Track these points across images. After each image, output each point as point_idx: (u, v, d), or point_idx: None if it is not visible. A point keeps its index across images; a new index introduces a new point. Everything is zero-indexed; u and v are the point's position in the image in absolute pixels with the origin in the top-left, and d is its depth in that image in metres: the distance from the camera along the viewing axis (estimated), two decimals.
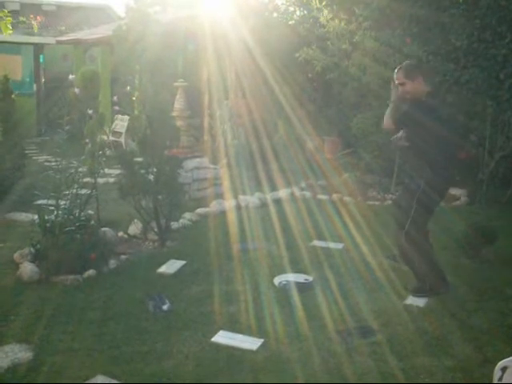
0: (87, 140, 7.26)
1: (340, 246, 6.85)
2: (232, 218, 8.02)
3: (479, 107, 9.56)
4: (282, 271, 6.01)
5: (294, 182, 10.02)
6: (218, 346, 4.42)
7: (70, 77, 16.22)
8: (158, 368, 4.10)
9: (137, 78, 7.30)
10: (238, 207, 8.64)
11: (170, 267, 6.17)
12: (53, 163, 6.62)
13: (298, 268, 6.11)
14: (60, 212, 6.00)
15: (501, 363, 3.05)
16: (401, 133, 5.31)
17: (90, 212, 6.75)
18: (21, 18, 22.31)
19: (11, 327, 4.71)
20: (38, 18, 23.05)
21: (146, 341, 4.51)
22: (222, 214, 8.31)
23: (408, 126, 5.18)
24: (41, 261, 5.85)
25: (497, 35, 9.61)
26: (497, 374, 3.04)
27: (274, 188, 9.60)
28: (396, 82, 5.23)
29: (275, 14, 13.89)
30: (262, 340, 4.48)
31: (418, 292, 5.28)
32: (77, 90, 14.45)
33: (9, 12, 8.34)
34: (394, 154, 8.84)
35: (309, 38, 11.69)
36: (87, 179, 7.21)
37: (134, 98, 7.38)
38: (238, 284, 5.67)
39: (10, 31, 7.86)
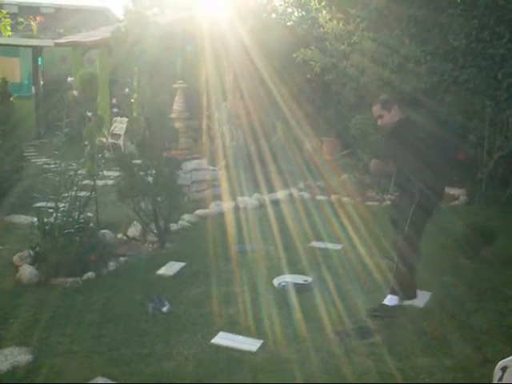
0: (86, 142, 7.26)
1: (338, 246, 6.85)
2: (230, 219, 8.03)
3: (478, 107, 9.57)
4: (281, 272, 6.01)
5: (292, 183, 10.03)
6: (217, 348, 4.43)
7: (69, 79, 16.21)
8: (158, 369, 4.10)
9: (135, 80, 7.30)
10: (237, 208, 8.64)
11: (170, 269, 6.17)
12: (52, 166, 6.61)
13: (296, 269, 6.11)
14: (59, 214, 6.00)
15: (501, 363, 3.05)
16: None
17: (89, 214, 6.75)
18: (19, 19, 22.32)
19: (10, 330, 4.71)
20: (37, 18, 23.07)
21: (146, 343, 4.51)
22: (221, 215, 8.31)
23: (402, 135, 5.14)
24: (40, 263, 5.85)
25: (495, 35, 9.63)
26: (497, 373, 3.04)
27: (272, 189, 9.61)
28: (374, 115, 5.38)
29: (273, 15, 13.90)
30: (262, 341, 4.49)
31: (394, 293, 5.14)
32: (76, 93, 14.47)
33: (7, 14, 8.35)
34: None
35: (307, 39, 11.70)
36: (86, 181, 7.21)
37: (132, 100, 7.37)
38: (237, 285, 5.67)
39: (10, 33, 7.87)
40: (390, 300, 5.06)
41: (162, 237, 6.91)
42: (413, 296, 5.16)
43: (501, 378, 3.00)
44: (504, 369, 3.00)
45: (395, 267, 5.10)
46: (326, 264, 6.24)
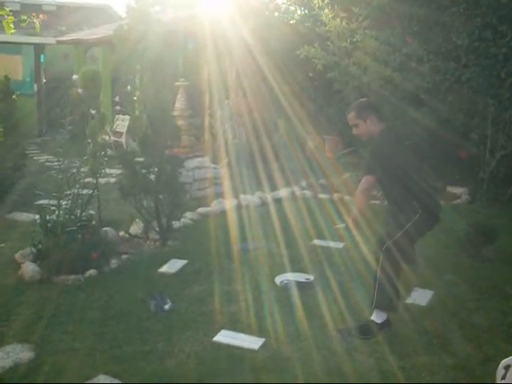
0: (89, 140, 7.26)
1: (340, 245, 6.85)
2: (233, 217, 8.02)
3: (480, 106, 9.55)
4: (283, 270, 6.01)
5: (294, 182, 10.02)
6: (219, 346, 4.43)
7: (74, 77, 16.21)
8: (160, 367, 4.11)
9: (138, 78, 7.31)
10: (239, 206, 8.64)
11: (172, 267, 6.17)
12: (54, 163, 6.62)
13: (298, 267, 6.11)
14: (61, 212, 6.01)
15: (504, 361, 3.06)
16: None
17: (91, 212, 6.75)
18: (22, 17, 22.31)
19: (12, 327, 4.72)
20: (40, 16, 23.07)
21: (148, 340, 4.51)
22: (223, 213, 8.31)
23: (387, 147, 4.75)
24: (42, 261, 5.86)
25: (498, 34, 9.59)
26: (500, 372, 3.05)
27: (274, 187, 9.61)
28: (349, 123, 4.97)
29: (276, 14, 13.89)
30: (263, 339, 4.49)
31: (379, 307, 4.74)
32: (80, 90, 14.49)
33: (10, 11, 8.34)
34: None
35: (309, 37, 11.69)
36: (88, 179, 7.21)
37: (134, 98, 7.38)
38: (239, 283, 5.68)
39: (13, 30, 7.88)
40: (378, 317, 4.66)
41: (164, 234, 6.92)
42: (394, 308, 4.73)
43: (504, 377, 3.01)
44: (507, 367, 3.01)
45: (379, 271, 4.60)
46: (328, 262, 6.24)
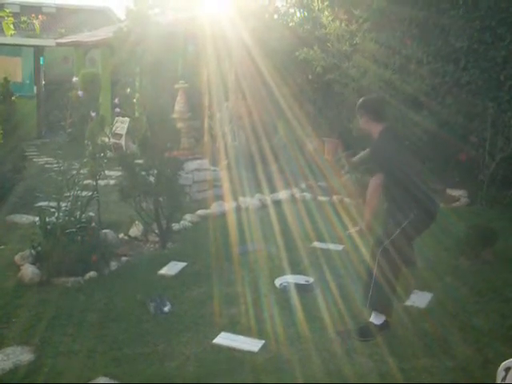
0: (89, 142, 7.27)
1: (340, 247, 6.85)
2: (232, 219, 8.02)
3: (479, 108, 9.57)
4: (282, 273, 6.01)
5: (294, 184, 10.02)
6: (219, 348, 4.44)
7: (74, 79, 16.24)
8: (160, 369, 4.11)
9: (137, 80, 7.31)
10: (238, 209, 8.64)
11: (171, 269, 6.17)
12: (54, 165, 6.62)
13: (298, 270, 6.11)
14: (61, 214, 6.01)
15: (504, 364, 3.06)
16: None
17: (90, 214, 6.75)
18: (22, 18, 22.37)
19: (12, 329, 4.72)
20: (40, 16, 23.12)
21: (148, 342, 4.52)
22: (223, 215, 8.30)
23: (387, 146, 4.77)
24: (42, 263, 5.86)
25: (497, 36, 9.62)
26: (500, 374, 3.05)
27: (274, 189, 9.60)
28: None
29: (275, 16, 13.88)
30: (263, 341, 4.49)
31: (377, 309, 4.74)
32: (80, 93, 14.50)
33: (10, 12, 8.40)
34: None
35: (309, 40, 11.70)
36: (88, 181, 7.21)
37: (134, 100, 7.38)
38: (239, 286, 5.67)
39: (13, 31, 7.93)
40: (377, 318, 4.65)
41: (164, 237, 6.92)
42: (389, 312, 4.71)
43: (504, 379, 3.01)
44: (507, 369, 3.01)
45: (375, 270, 4.57)
46: (327, 264, 6.23)
